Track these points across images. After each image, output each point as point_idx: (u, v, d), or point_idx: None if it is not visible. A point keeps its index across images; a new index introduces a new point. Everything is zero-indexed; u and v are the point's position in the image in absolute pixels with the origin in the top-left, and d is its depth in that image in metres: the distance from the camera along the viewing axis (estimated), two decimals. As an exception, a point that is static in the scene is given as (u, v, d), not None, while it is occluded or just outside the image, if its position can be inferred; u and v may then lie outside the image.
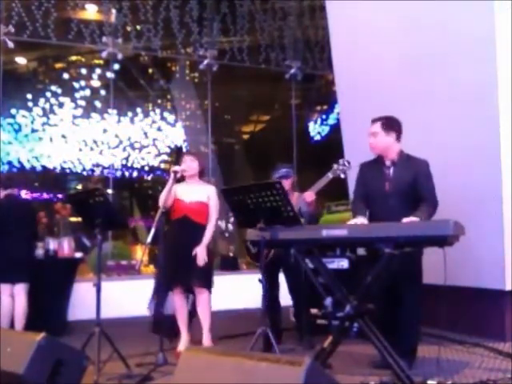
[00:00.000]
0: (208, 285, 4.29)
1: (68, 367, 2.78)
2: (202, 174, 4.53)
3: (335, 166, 4.43)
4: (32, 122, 9.29)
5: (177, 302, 4.34)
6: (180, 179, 4.40)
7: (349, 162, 4.39)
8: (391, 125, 3.80)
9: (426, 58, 5.02)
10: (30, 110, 9.33)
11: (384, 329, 3.41)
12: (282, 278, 4.85)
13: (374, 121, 3.83)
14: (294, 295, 4.83)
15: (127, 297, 6.63)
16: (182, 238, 4.27)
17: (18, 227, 4.95)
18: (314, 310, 4.90)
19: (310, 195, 4.45)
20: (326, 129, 10.91)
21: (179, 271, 4.21)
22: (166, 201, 4.12)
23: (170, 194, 4.19)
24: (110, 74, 8.56)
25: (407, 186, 3.70)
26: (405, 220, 3.35)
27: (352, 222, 3.68)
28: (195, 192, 4.37)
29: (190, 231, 4.30)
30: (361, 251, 3.75)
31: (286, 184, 4.80)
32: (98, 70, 10.13)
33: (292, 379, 1.91)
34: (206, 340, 4.29)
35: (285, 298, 4.91)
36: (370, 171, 3.91)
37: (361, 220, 3.66)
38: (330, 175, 4.41)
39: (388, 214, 3.53)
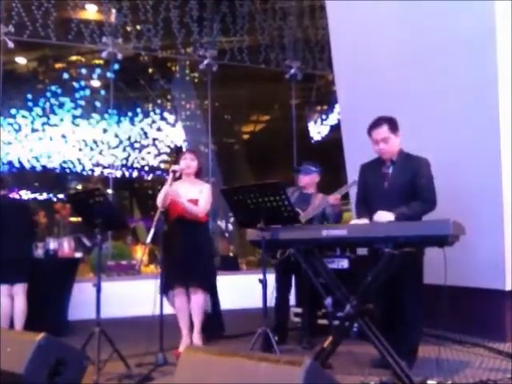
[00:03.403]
0: (203, 286, 4.28)
1: (68, 367, 2.78)
2: (199, 174, 4.53)
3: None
4: (32, 122, 9.28)
5: (178, 303, 4.34)
6: (178, 178, 4.40)
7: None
8: (396, 125, 3.74)
9: (426, 58, 5.02)
10: (30, 109, 9.32)
11: (384, 329, 3.41)
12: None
13: (376, 125, 3.70)
14: (303, 296, 4.86)
15: (127, 297, 6.63)
16: (178, 238, 4.26)
17: (15, 227, 4.94)
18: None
19: (334, 198, 4.46)
20: (326, 129, 10.91)
21: (177, 272, 4.20)
22: (165, 200, 4.12)
23: (168, 193, 4.19)
24: (110, 74, 8.56)
25: (406, 185, 3.69)
26: (380, 212, 3.39)
27: (354, 222, 3.69)
28: (188, 191, 4.37)
29: (185, 231, 4.29)
30: (361, 251, 3.76)
31: (304, 180, 4.82)
32: (98, 70, 10.13)
33: (292, 379, 1.90)
34: (196, 339, 4.30)
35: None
36: (370, 171, 3.91)
37: (364, 221, 3.63)
38: (356, 179, 4.35)
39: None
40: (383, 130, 3.68)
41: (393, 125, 3.72)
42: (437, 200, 3.68)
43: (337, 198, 4.45)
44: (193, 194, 4.36)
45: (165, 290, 4.21)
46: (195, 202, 4.33)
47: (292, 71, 9.02)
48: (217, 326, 5.12)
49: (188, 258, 4.23)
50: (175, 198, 4.22)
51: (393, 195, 3.68)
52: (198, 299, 4.26)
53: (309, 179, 4.85)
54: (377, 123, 3.72)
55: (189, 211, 4.28)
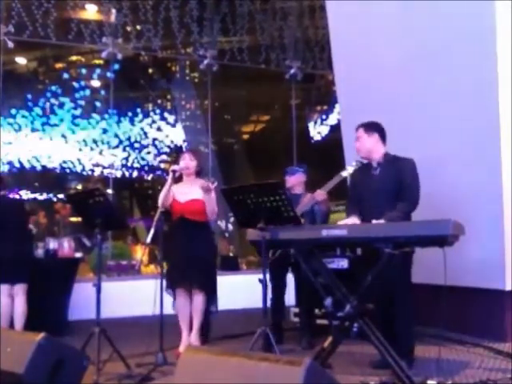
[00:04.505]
0: (205, 288, 4.29)
1: (68, 367, 2.78)
2: (199, 174, 4.53)
3: (348, 167, 4.37)
4: (32, 122, 9.28)
5: (179, 303, 4.34)
6: (178, 178, 4.40)
7: (362, 162, 4.34)
8: (372, 127, 3.95)
9: (425, 58, 5.02)
10: (30, 109, 9.32)
11: (381, 330, 3.41)
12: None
13: (356, 128, 3.99)
14: (301, 295, 4.86)
15: (127, 297, 6.63)
16: (180, 239, 4.27)
17: (15, 227, 4.93)
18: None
19: (320, 194, 4.45)
20: (326, 129, 10.91)
21: (179, 272, 4.21)
22: (165, 200, 4.13)
23: (168, 193, 4.21)
24: (109, 74, 8.56)
25: (392, 186, 3.78)
26: (374, 222, 3.44)
27: (343, 221, 3.74)
28: (190, 191, 4.36)
29: (187, 231, 4.29)
30: (359, 251, 3.77)
31: (290, 180, 4.86)
32: (98, 70, 10.14)
33: (292, 379, 1.90)
34: (194, 339, 4.31)
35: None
36: (360, 174, 4.03)
37: (353, 219, 3.73)
38: (342, 174, 4.34)
39: (375, 213, 3.58)
40: (358, 131, 3.98)
41: (368, 126, 3.96)
42: (419, 201, 3.73)
43: (323, 194, 4.44)
44: (195, 194, 4.35)
45: (167, 288, 4.24)
46: (195, 201, 4.33)
47: (292, 71, 9.02)
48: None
49: (190, 258, 4.23)
50: (207, 192, 4.21)
51: (380, 195, 3.79)
52: (199, 300, 4.27)
53: (294, 179, 4.89)
54: (357, 126, 4.01)
55: (208, 206, 4.28)
